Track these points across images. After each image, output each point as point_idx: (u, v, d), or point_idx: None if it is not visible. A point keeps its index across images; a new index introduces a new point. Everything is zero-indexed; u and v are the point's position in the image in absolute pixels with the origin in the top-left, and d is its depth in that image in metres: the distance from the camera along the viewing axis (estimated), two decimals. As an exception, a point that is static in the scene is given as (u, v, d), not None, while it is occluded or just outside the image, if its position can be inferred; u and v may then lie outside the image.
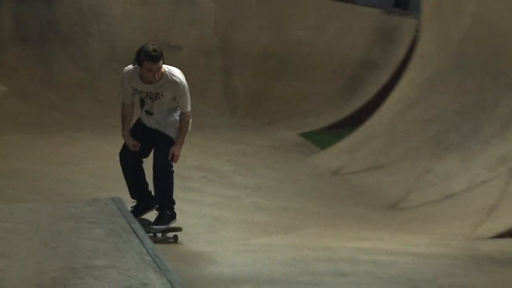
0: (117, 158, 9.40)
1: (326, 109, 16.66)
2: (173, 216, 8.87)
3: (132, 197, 9.07)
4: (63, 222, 7.40)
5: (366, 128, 14.48)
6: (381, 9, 17.26)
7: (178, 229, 8.93)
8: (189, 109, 8.95)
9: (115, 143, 14.73)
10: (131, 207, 8.85)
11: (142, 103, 9.01)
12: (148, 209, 9.06)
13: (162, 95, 8.71)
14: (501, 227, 9.84)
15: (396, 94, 14.84)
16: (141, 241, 6.55)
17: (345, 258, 8.29)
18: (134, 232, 6.83)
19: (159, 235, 8.84)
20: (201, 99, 16.89)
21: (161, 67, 8.59)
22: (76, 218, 7.51)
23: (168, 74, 8.66)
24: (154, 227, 8.81)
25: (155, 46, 8.56)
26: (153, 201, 9.01)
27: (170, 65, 8.85)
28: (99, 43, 17.74)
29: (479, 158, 11.82)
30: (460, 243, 9.51)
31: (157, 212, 8.98)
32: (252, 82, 17.53)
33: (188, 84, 8.85)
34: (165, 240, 8.80)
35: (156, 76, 8.56)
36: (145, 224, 8.68)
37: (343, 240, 9.69)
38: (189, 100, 8.94)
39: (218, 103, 17.21)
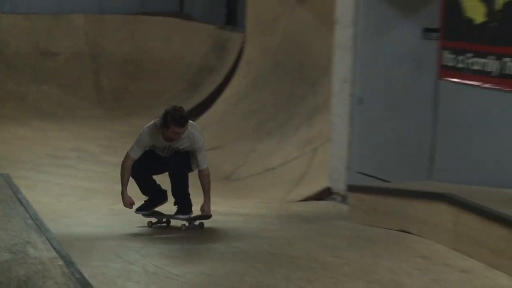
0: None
1: (174, 103, 16.59)
2: (190, 209, 7.46)
3: (143, 194, 7.62)
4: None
5: (205, 118, 14.49)
6: (215, 25, 17.30)
7: (208, 217, 7.50)
8: (206, 165, 7.39)
9: (4, 131, 14.34)
10: (144, 201, 7.62)
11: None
12: (159, 203, 7.62)
13: (183, 148, 7.26)
14: (307, 193, 10.01)
15: (228, 91, 14.91)
16: (25, 208, 6.35)
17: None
18: (19, 201, 6.62)
19: (186, 224, 7.45)
20: (75, 95, 16.65)
21: (187, 127, 7.16)
22: (-30, 191, 7.25)
23: (189, 130, 7.19)
24: (181, 216, 7.42)
25: (181, 111, 7.11)
26: (164, 195, 7.61)
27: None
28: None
29: (291, 140, 11.97)
30: (277, 205, 9.62)
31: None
32: (116, 82, 17.31)
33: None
34: (192, 228, 7.46)
35: (182, 136, 7.14)
36: (160, 215, 7.62)
37: (188, 204, 9.66)
38: (206, 157, 7.43)
39: (89, 98, 16.90)
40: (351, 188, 8.25)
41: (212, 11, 18.23)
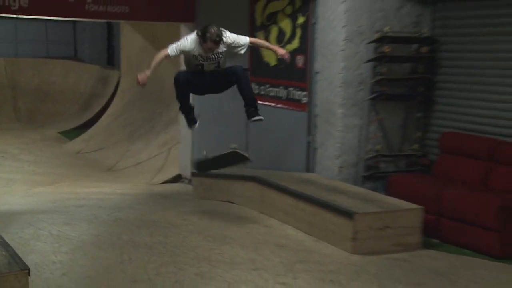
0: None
1: (72, 119, 15.97)
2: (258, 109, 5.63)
3: (184, 111, 5.92)
4: None
5: (94, 129, 14.06)
6: (99, 65, 16.87)
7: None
8: (248, 38, 5.60)
9: None
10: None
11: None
12: (194, 123, 5.96)
13: (223, 51, 5.54)
14: (164, 178, 9.90)
15: (110, 110, 14.53)
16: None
17: (83, 197, 7.94)
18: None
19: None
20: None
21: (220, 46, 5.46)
22: None
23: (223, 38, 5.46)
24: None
25: (218, 32, 5.37)
26: (194, 111, 5.91)
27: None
28: None
29: (153, 142, 11.81)
30: (144, 187, 9.43)
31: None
32: (29, 105, 16.53)
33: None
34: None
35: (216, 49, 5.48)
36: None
37: (82, 188, 9.28)
38: (239, 35, 5.57)
39: (10, 116, 16.03)
40: (194, 174, 8.22)
41: (97, 56, 17.86)
